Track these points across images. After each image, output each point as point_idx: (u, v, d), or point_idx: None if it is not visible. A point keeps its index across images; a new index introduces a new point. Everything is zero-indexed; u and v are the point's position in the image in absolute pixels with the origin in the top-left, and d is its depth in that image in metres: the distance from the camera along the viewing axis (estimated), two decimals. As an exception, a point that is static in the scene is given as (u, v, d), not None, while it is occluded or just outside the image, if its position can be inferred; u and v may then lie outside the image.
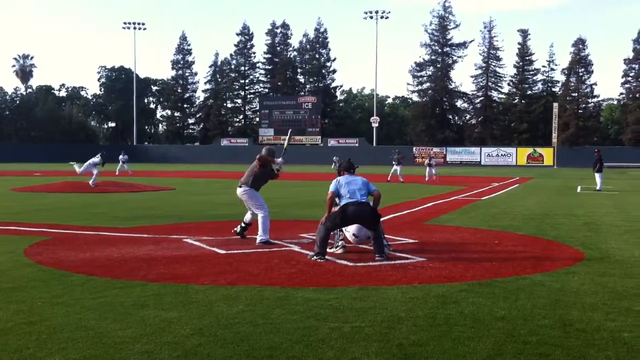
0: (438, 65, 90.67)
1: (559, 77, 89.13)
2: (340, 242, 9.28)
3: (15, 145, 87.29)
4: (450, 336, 5.06)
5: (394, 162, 33.22)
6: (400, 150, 38.12)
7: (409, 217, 14.61)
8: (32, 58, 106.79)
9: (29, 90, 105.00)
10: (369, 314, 5.70)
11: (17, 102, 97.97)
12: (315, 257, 8.54)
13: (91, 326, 5.23)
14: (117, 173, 39.20)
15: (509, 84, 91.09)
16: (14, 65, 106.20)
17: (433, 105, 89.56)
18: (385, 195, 20.88)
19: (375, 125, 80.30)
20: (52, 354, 4.53)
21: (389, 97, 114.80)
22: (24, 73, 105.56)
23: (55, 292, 6.47)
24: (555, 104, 75.46)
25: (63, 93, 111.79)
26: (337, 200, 9.16)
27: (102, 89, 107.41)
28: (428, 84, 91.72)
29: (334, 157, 39.08)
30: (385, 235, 9.87)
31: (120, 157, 41.68)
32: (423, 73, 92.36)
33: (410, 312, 5.79)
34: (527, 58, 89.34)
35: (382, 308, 5.91)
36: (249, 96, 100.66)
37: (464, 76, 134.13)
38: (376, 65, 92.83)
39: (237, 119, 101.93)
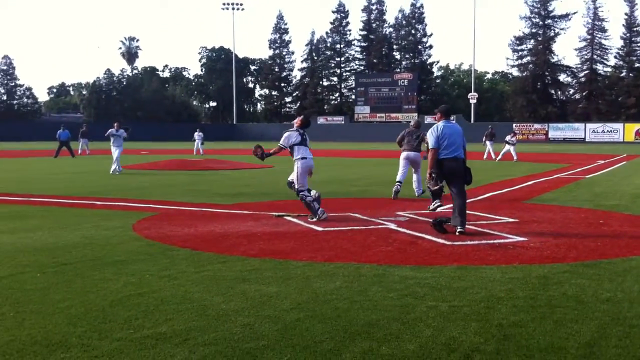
0: (539, 39, 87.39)
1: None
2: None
3: (122, 125, 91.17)
4: (552, 318, 4.94)
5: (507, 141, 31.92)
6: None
7: (508, 196, 14.27)
8: (137, 40, 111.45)
9: (135, 71, 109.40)
10: (467, 293, 5.65)
11: (124, 83, 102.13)
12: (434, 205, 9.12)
13: (195, 298, 5.45)
14: (194, 152, 38.24)
15: (615, 57, 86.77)
16: (120, 48, 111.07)
17: (534, 80, 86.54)
18: (484, 174, 20.49)
19: (473, 101, 78.51)
20: (159, 324, 4.76)
21: (488, 73, 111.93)
22: (130, 55, 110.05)
23: (162, 265, 6.77)
24: (667, 77, 71.19)
25: (167, 74, 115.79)
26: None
27: (203, 70, 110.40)
28: (529, 58, 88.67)
29: (489, 126, 36.41)
30: (484, 214, 9.71)
31: (196, 134, 40.04)
32: (523, 47, 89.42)
33: (510, 292, 5.69)
34: (635, 29, 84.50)
35: (481, 288, 5.83)
36: (344, 74, 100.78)
37: (567, 49, 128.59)
38: (474, 40, 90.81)
39: (333, 97, 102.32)
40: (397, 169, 13.96)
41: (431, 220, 9.11)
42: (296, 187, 10.25)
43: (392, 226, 9.42)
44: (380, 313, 5.04)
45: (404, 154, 13.75)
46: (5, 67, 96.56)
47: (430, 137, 9.08)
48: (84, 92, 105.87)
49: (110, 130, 21.98)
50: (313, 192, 10.28)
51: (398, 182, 13.42)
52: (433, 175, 8.92)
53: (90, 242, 8.12)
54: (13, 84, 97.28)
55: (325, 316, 4.95)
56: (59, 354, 4.14)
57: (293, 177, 10.39)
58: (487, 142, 32.21)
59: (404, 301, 5.37)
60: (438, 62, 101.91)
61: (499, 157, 30.42)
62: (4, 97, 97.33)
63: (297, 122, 10.95)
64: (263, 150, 10.75)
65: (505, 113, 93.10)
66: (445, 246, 7.92)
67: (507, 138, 31.42)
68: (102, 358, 4.07)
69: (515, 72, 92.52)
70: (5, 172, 22.58)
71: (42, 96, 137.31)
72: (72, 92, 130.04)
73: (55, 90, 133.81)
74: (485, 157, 31.34)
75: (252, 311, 5.08)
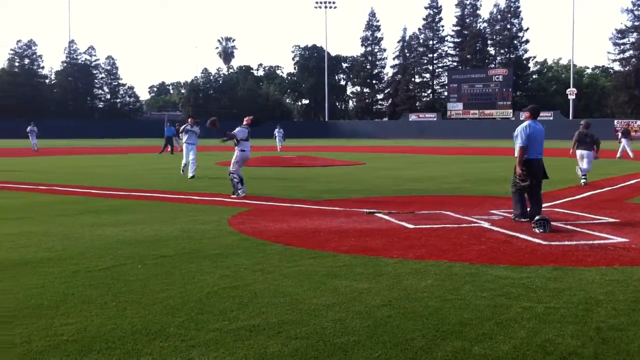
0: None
1: None
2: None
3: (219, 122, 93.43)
4: (655, 323, 4.72)
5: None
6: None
7: (609, 195, 13.71)
8: (233, 40, 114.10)
9: (231, 70, 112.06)
10: (564, 295, 5.48)
11: (220, 81, 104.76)
12: (516, 219, 9.38)
13: (288, 292, 5.55)
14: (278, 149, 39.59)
15: None
16: (217, 47, 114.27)
17: (637, 74, 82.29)
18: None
19: (572, 97, 75.73)
20: (253, 317, 4.88)
21: (588, 67, 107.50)
22: (226, 54, 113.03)
23: (256, 259, 6.92)
24: None
25: (261, 72, 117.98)
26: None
27: (296, 68, 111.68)
28: (631, 52, 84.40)
29: (628, 122, 33.80)
30: (583, 214, 9.36)
31: (276, 131, 41.28)
32: (625, 40, 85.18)
33: (610, 295, 5.48)
34: None
35: (579, 289, 5.64)
36: (437, 70, 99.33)
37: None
38: (573, 34, 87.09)
39: (425, 94, 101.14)
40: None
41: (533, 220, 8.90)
42: (230, 169, 13.35)
43: (486, 225, 9.25)
44: (472, 312, 4.97)
45: (579, 152, 16.23)
46: (109, 67, 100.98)
47: (521, 135, 9.44)
48: (183, 91, 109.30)
49: (184, 126, 19.63)
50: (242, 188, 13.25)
51: (583, 169, 16.06)
52: (524, 171, 9.40)
53: (188, 235, 8.41)
54: (116, 83, 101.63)
55: (416, 314, 4.93)
56: (157, 342, 4.32)
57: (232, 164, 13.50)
58: (623, 140, 30.55)
59: (497, 301, 5.28)
60: (535, 57, 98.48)
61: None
62: (108, 96, 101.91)
63: (247, 120, 13.94)
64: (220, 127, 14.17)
65: (605, 109, 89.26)
66: (541, 246, 7.71)
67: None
68: (199, 348, 4.21)
69: (616, 66, 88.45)
70: (107, 168, 23.67)
71: (144, 95, 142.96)
72: (171, 91, 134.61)
73: (155, 89, 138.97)
74: (619, 155, 29.71)
75: (343, 307, 5.12)
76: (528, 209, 9.49)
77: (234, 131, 13.55)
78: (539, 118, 9.83)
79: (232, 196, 13.07)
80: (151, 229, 8.97)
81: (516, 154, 9.54)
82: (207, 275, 6.21)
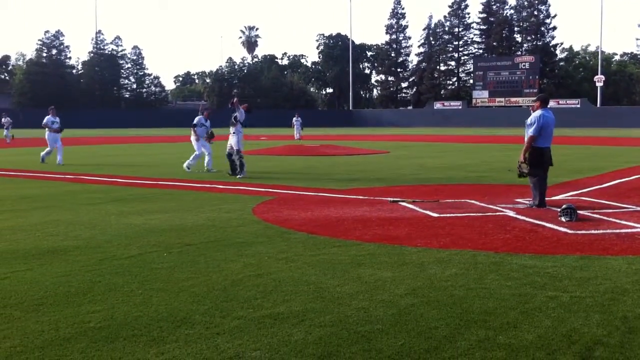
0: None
1: None
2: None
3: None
4: (684, 312, 4.66)
5: None
6: None
7: (636, 183, 13.51)
8: (257, 29, 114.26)
9: (255, 59, 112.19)
10: (590, 284, 5.43)
11: (245, 71, 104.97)
12: (533, 207, 9.51)
13: (312, 281, 5.56)
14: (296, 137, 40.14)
15: None
16: (240, 37, 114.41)
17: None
18: (610, 160, 19.49)
19: (599, 84, 74.60)
20: (277, 305, 4.90)
21: (616, 54, 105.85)
22: (250, 44, 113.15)
23: (280, 248, 6.95)
24: None
25: (285, 62, 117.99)
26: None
27: (321, 57, 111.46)
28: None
29: None
30: (610, 202, 9.24)
31: (294, 119, 41.88)
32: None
33: (637, 284, 5.41)
34: None
35: (605, 279, 5.59)
36: (462, 58, 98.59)
37: None
38: (601, 20, 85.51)
39: (451, 82, 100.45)
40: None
41: (559, 209, 8.80)
42: (236, 148, 15.22)
43: (511, 213, 9.18)
44: (497, 302, 4.94)
45: None
46: (135, 57, 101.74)
47: (534, 125, 9.58)
48: (208, 80, 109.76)
49: (198, 118, 17.18)
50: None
51: None
52: (526, 160, 9.71)
53: (213, 224, 8.47)
54: (142, 73, 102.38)
55: (440, 303, 4.92)
56: (183, 330, 4.36)
57: (233, 145, 15.35)
58: None
59: (522, 290, 5.24)
60: (562, 44, 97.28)
61: None
62: (134, 86, 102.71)
63: (244, 107, 15.80)
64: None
65: (634, 97, 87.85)
66: (567, 235, 7.63)
67: None
68: (223, 335, 4.25)
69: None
70: (134, 157, 23.89)
71: (169, 85, 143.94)
72: (196, 81, 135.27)
73: (181, 78, 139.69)
74: None
75: (366, 295, 5.13)
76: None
77: (239, 117, 15.60)
78: (558, 106, 9.86)
79: (238, 176, 14.94)
80: (177, 217, 9.05)
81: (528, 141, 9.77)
82: (231, 263, 6.25)
